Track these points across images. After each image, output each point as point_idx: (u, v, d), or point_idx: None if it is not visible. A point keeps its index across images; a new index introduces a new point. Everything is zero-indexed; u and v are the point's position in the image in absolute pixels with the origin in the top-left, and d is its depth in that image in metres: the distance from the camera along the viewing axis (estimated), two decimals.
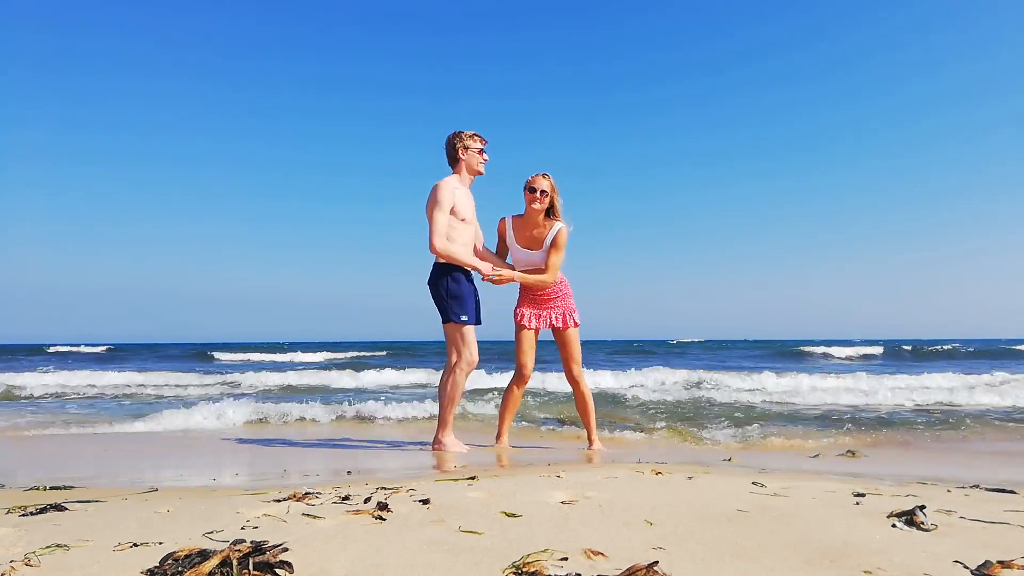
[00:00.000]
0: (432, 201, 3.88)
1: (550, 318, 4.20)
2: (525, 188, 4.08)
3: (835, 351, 26.76)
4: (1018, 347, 30.01)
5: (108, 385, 10.99)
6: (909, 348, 28.65)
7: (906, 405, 7.54)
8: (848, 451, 4.45)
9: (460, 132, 4.03)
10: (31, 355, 28.23)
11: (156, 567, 1.39)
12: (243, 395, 8.89)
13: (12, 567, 1.41)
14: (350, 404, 6.95)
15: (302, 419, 6.44)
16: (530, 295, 4.22)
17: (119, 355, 28.47)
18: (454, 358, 3.96)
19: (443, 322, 3.99)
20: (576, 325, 4.23)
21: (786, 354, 26.17)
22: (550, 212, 4.10)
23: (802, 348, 29.49)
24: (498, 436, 4.33)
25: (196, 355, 27.50)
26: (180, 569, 1.36)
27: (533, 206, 4.03)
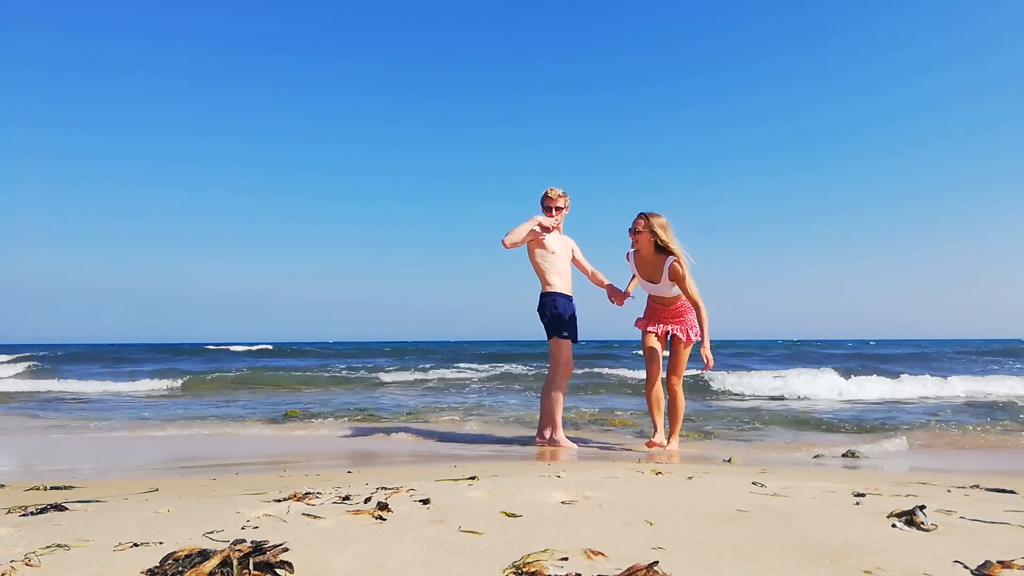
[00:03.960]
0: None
1: (672, 330, 4.63)
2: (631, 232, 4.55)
3: None
4: None
5: None
6: None
7: None
8: (848, 451, 4.45)
9: (545, 192, 4.75)
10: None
11: (156, 567, 1.39)
12: None
13: (12, 567, 1.41)
14: None
15: None
16: (655, 312, 4.70)
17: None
18: (556, 368, 4.66)
19: (547, 337, 4.69)
20: (690, 341, 4.60)
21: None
22: (660, 247, 4.45)
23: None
24: (655, 432, 4.71)
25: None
26: (180, 569, 1.36)
27: (638, 247, 4.53)
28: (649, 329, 4.66)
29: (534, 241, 4.66)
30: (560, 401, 4.68)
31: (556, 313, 4.63)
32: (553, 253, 4.70)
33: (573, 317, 4.73)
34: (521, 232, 4.56)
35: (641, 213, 4.50)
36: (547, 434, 4.72)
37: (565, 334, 4.63)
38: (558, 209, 4.74)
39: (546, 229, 4.63)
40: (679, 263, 4.37)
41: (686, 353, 4.64)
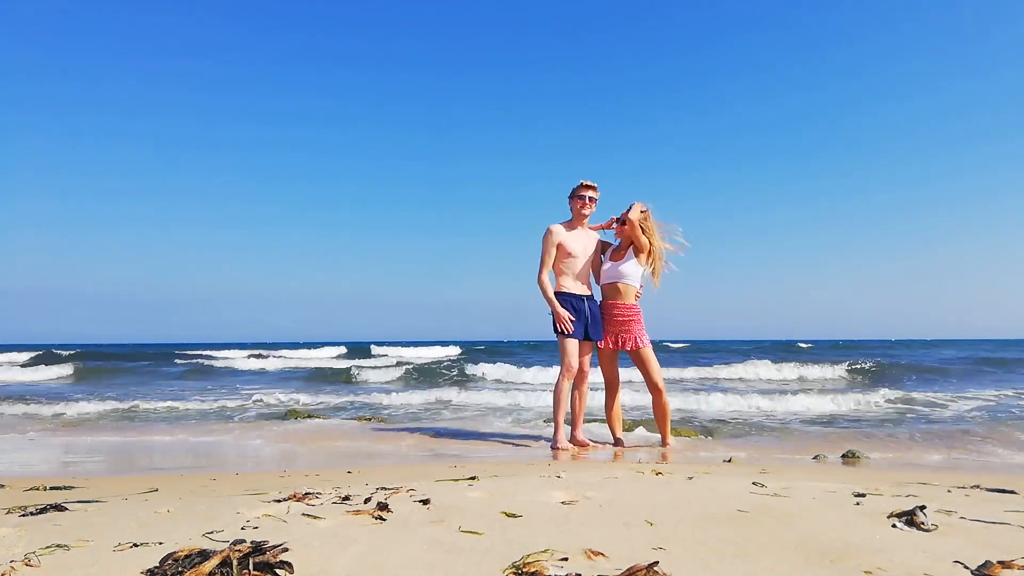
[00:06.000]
0: (542, 244, 4.77)
1: (620, 340, 4.74)
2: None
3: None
4: None
5: None
6: None
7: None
8: (848, 452, 4.45)
9: (579, 183, 4.79)
10: None
11: (156, 567, 1.39)
12: None
13: (12, 567, 1.41)
14: None
15: None
16: (605, 319, 4.80)
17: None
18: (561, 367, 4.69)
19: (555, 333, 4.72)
20: (640, 347, 4.70)
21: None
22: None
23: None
24: (614, 441, 4.91)
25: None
26: (180, 569, 1.36)
27: (620, 233, 4.80)
28: (604, 344, 4.77)
29: (559, 246, 4.71)
30: (561, 402, 4.62)
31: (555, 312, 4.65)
32: (573, 256, 4.73)
33: (580, 316, 4.67)
34: (544, 293, 4.72)
35: (639, 205, 4.79)
36: (553, 439, 4.70)
37: (565, 332, 4.61)
38: (592, 200, 4.76)
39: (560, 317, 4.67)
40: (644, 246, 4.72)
41: (647, 354, 4.71)
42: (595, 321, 4.73)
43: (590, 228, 4.91)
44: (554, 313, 4.65)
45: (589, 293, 4.80)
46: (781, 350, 26.20)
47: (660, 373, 4.77)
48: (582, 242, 4.78)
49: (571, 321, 4.63)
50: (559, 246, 4.71)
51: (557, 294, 4.71)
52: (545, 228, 4.79)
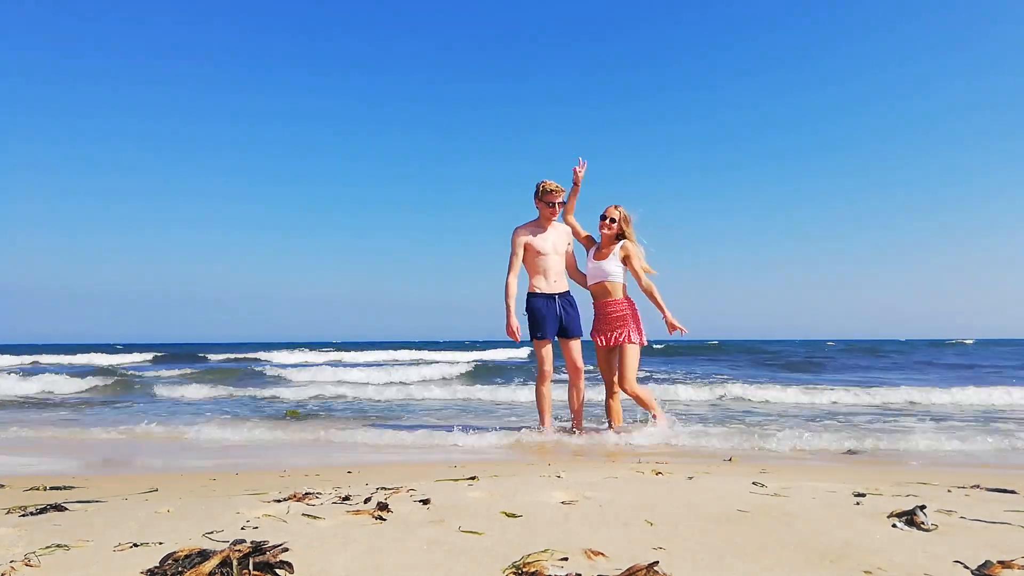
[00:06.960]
0: (511, 246, 4.76)
1: (613, 337, 4.76)
2: (600, 217, 4.80)
3: None
4: None
5: None
6: None
7: None
8: (848, 450, 4.45)
9: (538, 184, 4.74)
10: None
11: (156, 567, 1.39)
12: None
13: (12, 567, 1.41)
14: None
15: None
16: (600, 319, 4.84)
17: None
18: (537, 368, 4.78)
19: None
20: (630, 342, 4.70)
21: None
22: (619, 237, 4.81)
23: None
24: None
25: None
26: (180, 569, 1.36)
27: (603, 231, 4.77)
28: (599, 343, 4.84)
29: (526, 246, 4.72)
30: (543, 403, 4.69)
31: (529, 314, 4.70)
32: (543, 254, 4.71)
33: (552, 316, 4.68)
34: (507, 297, 4.70)
35: (615, 206, 4.82)
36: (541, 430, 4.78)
37: (539, 335, 4.64)
38: (560, 204, 4.73)
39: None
40: (628, 247, 4.72)
41: (631, 351, 4.69)
42: (571, 316, 4.72)
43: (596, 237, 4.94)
44: (507, 319, 4.62)
45: (563, 290, 4.77)
46: (812, 349, 26.10)
47: (633, 374, 4.70)
48: (551, 239, 4.75)
49: (543, 321, 4.63)
50: (526, 246, 4.69)
51: (530, 295, 4.71)
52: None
